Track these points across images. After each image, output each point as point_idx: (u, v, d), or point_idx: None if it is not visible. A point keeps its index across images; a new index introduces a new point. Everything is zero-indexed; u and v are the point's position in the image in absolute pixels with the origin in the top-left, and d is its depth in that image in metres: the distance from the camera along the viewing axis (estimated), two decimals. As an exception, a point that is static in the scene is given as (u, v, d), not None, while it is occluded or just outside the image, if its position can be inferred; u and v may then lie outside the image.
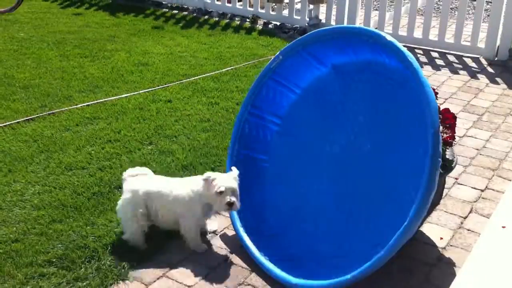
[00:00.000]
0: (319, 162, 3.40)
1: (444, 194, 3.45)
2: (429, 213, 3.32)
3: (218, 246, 3.26)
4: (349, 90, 3.38)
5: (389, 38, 2.93)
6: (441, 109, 3.14)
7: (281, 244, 3.25)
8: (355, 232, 3.08)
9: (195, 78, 5.73)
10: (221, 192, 2.98)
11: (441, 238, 3.31)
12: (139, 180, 3.21)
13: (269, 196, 3.50)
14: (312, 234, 3.23)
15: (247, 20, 8.03)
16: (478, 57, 6.52)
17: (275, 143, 3.62)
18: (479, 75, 6.02)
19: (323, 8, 7.79)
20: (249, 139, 3.60)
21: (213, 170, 3.92)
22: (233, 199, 3.00)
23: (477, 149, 4.41)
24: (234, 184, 3.04)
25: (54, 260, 3.07)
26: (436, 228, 3.41)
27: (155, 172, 3.90)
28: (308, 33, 3.40)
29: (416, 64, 2.76)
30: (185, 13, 8.33)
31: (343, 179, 3.28)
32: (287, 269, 2.99)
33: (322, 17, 7.58)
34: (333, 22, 7.32)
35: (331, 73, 3.45)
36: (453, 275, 3.00)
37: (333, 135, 3.38)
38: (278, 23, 7.84)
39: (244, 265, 3.09)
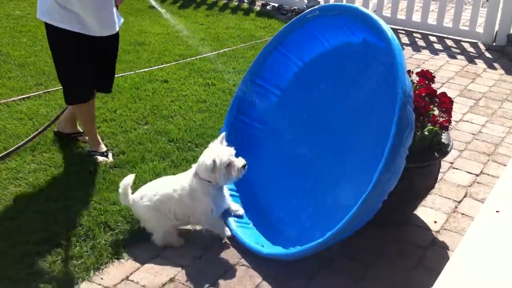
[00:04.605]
0: (309, 135, 3.45)
1: (439, 178, 3.46)
2: (423, 197, 3.33)
3: (213, 226, 3.27)
4: (343, 71, 3.39)
5: (370, 14, 2.94)
6: (438, 93, 3.14)
7: (266, 212, 3.35)
8: (335, 202, 3.11)
9: (192, 58, 5.70)
10: (229, 164, 2.92)
11: (435, 222, 3.33)
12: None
13: (259, 164, 3.52)
14: (295, 203, 3.30)
15: (245, 1, 7.97)
16: (476, 42, 6.50)
17: (273, 113, 3.64)
18: (476, 60, 6.01)
19: (321, -10, 7.74)
20: (248, 106, 3.67)
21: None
22: (240, 161, 2.95)
23: (473, 134, 4.41)
24: (229, 149, 2.98)
25: (49, 238, 3.07)
26: (430, 212, 3.43)
27: (150, 152, 3.90)
28: (321, 5, 3.39)
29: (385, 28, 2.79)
30: (183, -8, 8.26)
31: (328, 148, 3.32)
32: (271, 238, 3.11)
33: (321, -1, 7.53)
34: (331, 4, 7.28)
35: (331, 51, 3.45)
36: (446, 258, 3.03)
37: (324, 114, 3.43)
38: (276, 5, 7.79)
39: (239, 246, 3.10)
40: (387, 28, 2.83)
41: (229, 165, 2.91)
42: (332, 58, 3.45)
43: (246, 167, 2.96)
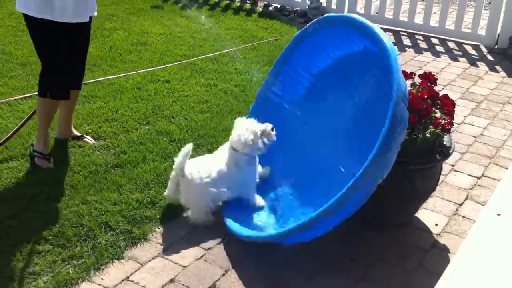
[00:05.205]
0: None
1: (440, 180, 3.45)
2: (425, 199, 3.33)
3: (214, 227, 3.27)
4: (348, 80, 3.45)
5: (365, 21, 3.04)
6: (440, 95, 3.14)
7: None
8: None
9: (194, 59, 5.70)
10: (263, 132, 3.24)
11: (436, 225, 3.33)
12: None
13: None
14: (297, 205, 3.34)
15: (247, 1, 7.98)
16: (478, 45, 6.49)
17: (290, 126, 3.67)
18: (478, 63, 6.00)
19: (324, -9, 7.74)
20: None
21: (209, 151, 3.91)
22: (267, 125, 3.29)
23: (475, 137, 4.41)
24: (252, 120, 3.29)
25: (49, 237, 3.07)
26: (431, 214, 3.42)
27: (151, 152, 3.90)
28: (320, 18, 3.43)
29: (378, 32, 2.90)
30: (185, -7, 8.27)
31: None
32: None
33: (323, 0, 7.53)
34: (334, 6, 7.28)
35: (335, 62, 3.51)
36: (447, 261, 3.02)
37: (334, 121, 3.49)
38: (278, 6, 7.79)
39: (240, 246, 3.10)
40: (381, 33, 2.92)
41: (262, 133, 3.22)
42: (337, 68, 3.52)
43: (274, 129, 3.28)
